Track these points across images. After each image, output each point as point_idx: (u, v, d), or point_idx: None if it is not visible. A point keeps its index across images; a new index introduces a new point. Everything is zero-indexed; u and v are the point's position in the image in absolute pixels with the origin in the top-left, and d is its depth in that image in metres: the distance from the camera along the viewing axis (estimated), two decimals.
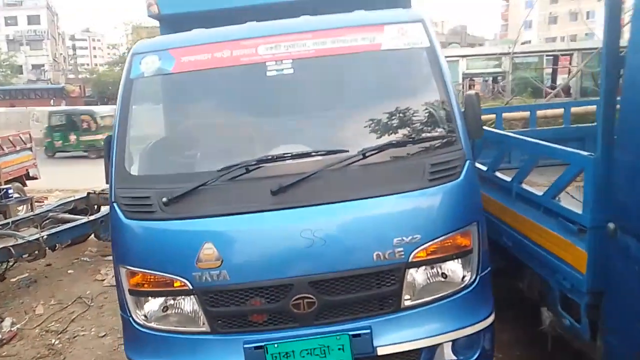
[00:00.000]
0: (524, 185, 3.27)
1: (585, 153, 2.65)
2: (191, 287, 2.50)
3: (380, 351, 2.50)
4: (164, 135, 3.13)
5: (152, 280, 2.57)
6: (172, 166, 2.86)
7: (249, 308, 2.51)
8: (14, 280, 6.17)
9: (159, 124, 3.14)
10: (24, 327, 4.94)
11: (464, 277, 2.60)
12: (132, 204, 2.60)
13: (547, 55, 16.42)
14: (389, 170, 2.60)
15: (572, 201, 2.96)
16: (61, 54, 66.80)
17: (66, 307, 5.36)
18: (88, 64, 72.92)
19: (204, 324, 2.56)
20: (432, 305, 2.56)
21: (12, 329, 4.87)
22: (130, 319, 2.69)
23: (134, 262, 2.60)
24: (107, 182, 2.85)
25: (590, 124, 5.29)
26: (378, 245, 2.46)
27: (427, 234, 2.49)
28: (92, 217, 6.49)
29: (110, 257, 6.58)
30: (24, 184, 9.71)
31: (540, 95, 12.04)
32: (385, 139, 2.70)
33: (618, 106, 2.46)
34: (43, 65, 56.36)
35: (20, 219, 6.45)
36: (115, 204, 2.64)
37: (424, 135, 2.72)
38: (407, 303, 2.53)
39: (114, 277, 5.93)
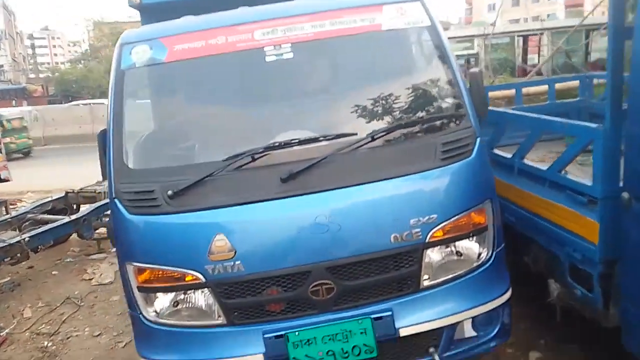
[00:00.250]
0: (526, 161, 3.28)
1: (593, 125, 2.66)
2: (204, 280, 2.43)
3: (403, 332, 2.48)
4: (162, 127, 3.02)
5: (162, 275, 2.48)
6: (174, 158, 2.75)
7: (267, 298, 2.45)
8: None
9: (155, 115, 3.02)
10: (13, 332, 4.76)
11: (480, 254, 2.59)
12: (136, 199, 2.50)
13: (518, 36, 16.72)
14: (400, 151, 2.56)
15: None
16: (20, 53, 64.82)
17: (55, 308, 5.18)
18: (49, 63, 70.83)
19: (219, 316, 2.49)
20: (451, 284, 2.54)
21: (1, 333, 4.69)
22: (141, 316, 2.59)
23: (142, 259, 2.50)
24: (103, 179, 2.73)
25: (573, 99, 5.37)
26: (395, 227, 2.42)
27: (443, 213, 2.47)
28: (73, 217, 6.28)
29: (95, 256, 6.58)
30: None
31: (515, 75, 12.22)
32: (394, 120, 2.66)
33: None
34: (2, 66, 54.54)
35: None
36: (116, 200, 2.53)
37: (433, 114, 2.69)
38: (426, 283, 2.51)
39: (102, 276, 5.93)
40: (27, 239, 5.44)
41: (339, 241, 2.40)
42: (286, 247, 2.42)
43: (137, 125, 2.87)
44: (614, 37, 2.44)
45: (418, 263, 2.46)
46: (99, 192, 6.88)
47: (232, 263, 2.39)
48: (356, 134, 2.53)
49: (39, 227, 5.93)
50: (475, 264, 2.57)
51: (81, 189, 7.17)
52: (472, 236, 2.55)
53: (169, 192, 2.42)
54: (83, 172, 11.05)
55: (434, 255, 2.51)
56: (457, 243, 2.53)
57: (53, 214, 6.72)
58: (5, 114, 19.32)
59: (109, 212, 6.45)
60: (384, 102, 2.72)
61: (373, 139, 2.51)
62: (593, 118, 4.70)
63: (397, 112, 2.71)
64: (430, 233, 2.45)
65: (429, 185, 2.49)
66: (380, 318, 2.45)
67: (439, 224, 2.45)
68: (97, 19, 43.34)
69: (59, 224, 6.01)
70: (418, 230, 2.43)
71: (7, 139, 16.41)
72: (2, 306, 5.35)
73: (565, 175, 2.93)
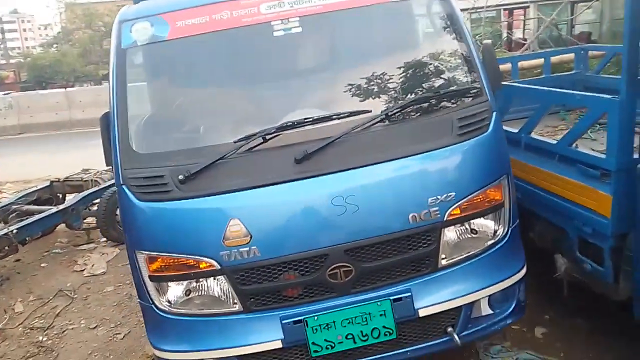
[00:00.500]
0: (534, 135, 3.24)
1: (608, 96, 2.62)
2: (219, 267, 2.35)
3: (422, 313, 2.44)
4: (168, 109, 2.89)
5: (175, 263, 2.39)
6: (182, 141, 2.65)
7: (284, 283, 2.39)
8: None
9: (160, 96, 2.90)
10: (5, 327, 4.62)
11: (496, 231, 2.56)
12: (145, 185, 2.40)
13: (504, 9, 16.74)
14: (416, 127, 2.50)
15: None
16: None
17: (47, 301, 5.04)
18: (20, 48, 68.69)
19: (235, 303, 2.42)
20: (468, 262, 2.51)
21: None
22: (153, 306, 2.51)
23: (153, 247, 2.41)
24: (107, 164, 2.62)
25: (568, 72, 5.36)
26: (413, 206, 2.37)
27: (461, 191, 2.42)
28: (61, 207, 6.11)
29: (85, 247, 6.41)
30: None
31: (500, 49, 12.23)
32: (409, 95, 2.59)
33: None
34: None
35: None
36: (124, 187, 2.43)
37: (448, 88, 2.62)
38: (444, 262, 2.47)
39: (93, 267, 5.79)
40: (14, 231, 5.29)
41: (356, 223, 2.34)
42: (303, 230, 2.35)
43: (143, 107, 2.75)
44: (631, 7, 2.40)
45: (436, 242, 2.42)
46: (86, 181, 6.72)
47: (248, 248, 2.32)
48: (370, 111, 2.46)
49: (26, 219, 5.76)
50: (492, 241, 2.54)
51: (67, 178, 6.97)
52: (490, 213, 2.51)
53: (180, 177, 2.32)
54: (64, 160, 10.86)
55: (452, 233, 2.47)
56: (474, 221, 2.49)
57: (38, 205, 6.55)
58: None
59: (97, 200, 6.38)
60: (397, 76, 2.65)
61: (389, 116, 2.45)
62: (588, 91, 4.69)
63: (412, 87, 2.64)
64: (449, 211, 2.40)
65: (446, 163, 2.44)
66: (399, 299, 2.41)
67: (457, 202, 2.41)
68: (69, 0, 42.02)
69: (47, 214, 5.85)
70: (436, 209, 2.38)
71: None
72: None
73: (576, 149, 2.90)
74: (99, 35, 40.08)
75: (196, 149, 2.53)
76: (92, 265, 5.74)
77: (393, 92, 2.61)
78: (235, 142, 2.39)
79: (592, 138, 3.68)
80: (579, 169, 2.84)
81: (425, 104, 2.54)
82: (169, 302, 2.49)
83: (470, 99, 2.55)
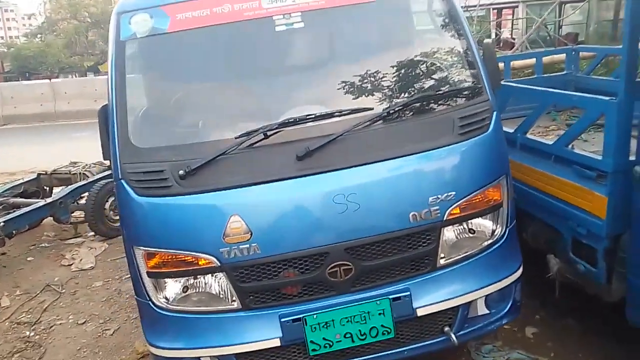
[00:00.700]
0: (530, 135, 3.26)
1: (606, 98, 2.64)
2: (219, 264, 2.33)
3: (420, 312, 2.45)
4: (168, 103, 2.85)
5: (173, 259, 2.37)
6: (183, 135, 2.62)
7: (284, 280, 2.38)
8: None
9: (160, 90, 2.85)
10: None
11: (494, 231, 2.57)
12: (144, 180, 2.37)
13: (493, 8, 16.85)
14: (417, 126, 2.50)
15: None
16: None
17: (35, 296, 4.97)
18: (2, 38, 67.49)
19: (234, 300, 2.41)
20: (467, 262, 2.52)
21: None
22: (150, 303, 2.48)
23: (152, 243, 2.39)
24: (105, 158, 2.58)
25: (559, 73, 5.40)
26: (414, 205, 2.37)
27: (461, 190, 2.43)
28: (49, 200, 6.02)
29: (72, 241, 6.33)
30: None
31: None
32: (411, 93, 2.58)
33: None
34: None
35: None
36: (123, 182, 2.40)
37: (449, 87, 2.62)
38: (443, 262, 2.48)
39: (82, 261, 5.72)
40: (1, 224, 5.20)
41: (357, 221, 2.33)
42: (303, 227, 2.34)
43: (141, 100, 2.71)
44: (631, 8, 2.41)
45: (436, 242, 2.43)
46: (74, 174, 6.63)
47: (248, 245, 2.30)
48: (372, 109, 2.45)
49: (13, 212, 5.67)
50: (490, 241, 2.56)
51: (54, 170, 6.89)
52: (489, 213, 2.52)
53: (181, 172, 2.30)
54: (49, 152, 10.70)
55: (451, 233, 2.47)
56: (472, 220, 2.50)
57: (25, 197, 6.46)
58: None
59: (85, 194, 6.29)
60: (400, 74, 2.65)
61: (390, 114, 2.44)
62: (579, 92, 4.73)
63: (414, 85, 2.64)
64: (449, 210, 2.41)
65: (447, 162, 2.45)
66: (398, 298, 2.42)
67: (457, 202, 2.41)
68: None
69: (34, 207, 5.77)
70: (437, 208, 2.38)
71: None
72: None
73: (572, 150, 2.92)
74: (85, 27, 39.61)
75: (197, 144, 2.50)
76: (80, 260, 5.67)
77: (396, 89, 2.60)
78: (236, 138, 2.37)
79: (584, 139, 3.71)
80: (574, 170, 2.86)
81: (427, 103, 2.54)
82: (166, 298, 2.47)
83: (471, 98, 2.56)
